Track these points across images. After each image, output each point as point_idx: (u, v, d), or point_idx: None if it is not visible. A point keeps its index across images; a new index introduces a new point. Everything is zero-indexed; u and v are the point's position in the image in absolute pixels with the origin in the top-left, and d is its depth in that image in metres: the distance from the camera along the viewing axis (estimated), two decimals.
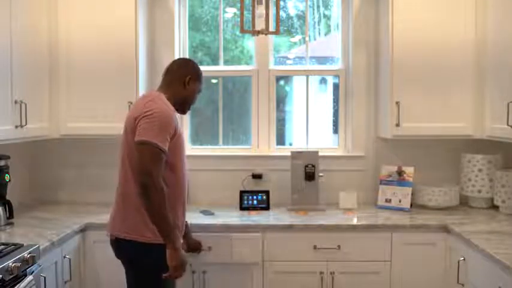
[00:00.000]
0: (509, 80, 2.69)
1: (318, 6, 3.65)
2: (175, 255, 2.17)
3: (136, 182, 2.15)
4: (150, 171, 2.10)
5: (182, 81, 2.42)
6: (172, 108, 2.31)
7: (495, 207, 3.15)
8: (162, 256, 2.18)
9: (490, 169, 3.19)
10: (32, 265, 2.19)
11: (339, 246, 2.84)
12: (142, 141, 2.13)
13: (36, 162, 3.50)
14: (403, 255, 2.84)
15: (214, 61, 3.64)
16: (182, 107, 2.45)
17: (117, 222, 2.31)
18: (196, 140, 3.68)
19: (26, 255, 2.16)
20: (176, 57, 3.49)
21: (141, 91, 3.19)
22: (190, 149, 3.60)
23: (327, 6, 3.66)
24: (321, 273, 2.84)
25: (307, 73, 3.62)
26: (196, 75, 2.48)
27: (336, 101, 3.62)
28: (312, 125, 3.63)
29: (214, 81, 3.65)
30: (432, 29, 3.05)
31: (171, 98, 2.36)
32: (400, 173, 3.29)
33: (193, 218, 2.93)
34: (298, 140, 3.73)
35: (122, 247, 2.30)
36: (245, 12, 3.00)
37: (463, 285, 2.56)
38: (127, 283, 2.37)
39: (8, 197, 2.82)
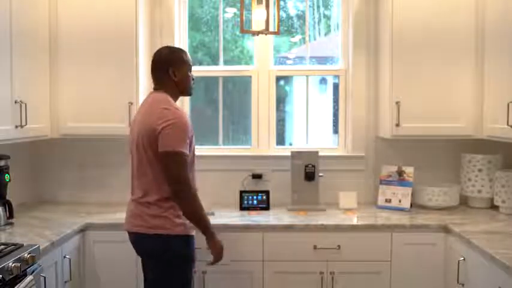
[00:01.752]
0: (509, 80, 2.69)
1: (318, 6, 3.65)
2: (217, 244, 2.41)
3: (171, 190, 2.29)
4: (183, 179, 2.27)
5: (169, 75, 2.45)
6: (182, 109, 2.43)
7: (495, 207, 3.15)
8: (185, 246, 2.36)
9: (490, 169, 3.19)
10: (32, 265, 2.19)
11: (339, 246, 2.84)
12: (169, 152, 2.26)
13: (36, 162, 3.50)
14: (403, 255, 2.84)
15: (214, 61, 3.64)
16: (184, 93, 2.53)
17: (138, 219, 2.37)
18: (196, 140, 3.66)
19: (26, 255, 2.15)
20: None
21: (141, 91, 3.19)
22: None
23: (327, 6, 3.66)
24: (321, 273, 2.84)
25: (307, 73, 3.62)
26: (175, 61, 2.46)
27: (336, 101, 3.62)
28: (312, 125, 3.63)
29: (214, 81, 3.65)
30: (432, 26, 3.05)
31: (171, 94, 2.44)
32: (400, 173, 3.29)
33: None
34: (298, 140, 3.73)
35: (145, 242, 2.37)
36: (245, 12, 3.00)
37: (463, 285, 2.56)
38: (148, 278, 2.46)
39: (8, 197, 2.81)
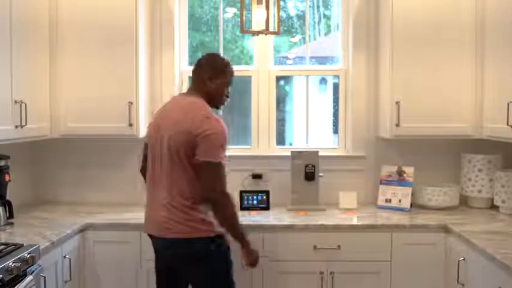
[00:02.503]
0: (509, 80, 2.69)
1: (318, 6, 3.65)
2: (251, 251, 2.43)
3: (209, 199, 2.29)
4: (222, 189, 2.29)
5: (205, 80, 2.42)
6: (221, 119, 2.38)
7: (495, 207, 3.15)
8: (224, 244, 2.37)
9: (490, 169, 3.18)
10: (32, 265, 2.19)
11: (339, 246, 2.84)
12: (211, 162, 2.25)
13: (36, 162, 3.50)
14: (403, 255, 2.84)
15: None
16: (213, 103, 2.46)
17: (177, 224, 2.29)
18: None
19: (26, 255, 2.16)
20: (176, 57, 3.50)
21: (141, 91, 3.20)
22: None
23: (327, 6, 3.66)
24: (321, 273, 2.84)
25: (307, 73, 3.62)
26: (218, 71, 2.45)
27: (336, 101, 3.62)
28: (312, 125, 3.63)
29: None
30: (432, 26, 3.05)
31: (206, 100, 2.40)
32: (400, 173, 3.29)
33: None
34: (298, 140, 3.73)
35: (187, 246, 2.30)
36: (245, 12, 3.00)
37: (463, 285, 2.56)
38: (193, 283, 2.40)
39: (8, 197, 2.82)
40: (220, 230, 2.34)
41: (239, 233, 2.38)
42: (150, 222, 2.43)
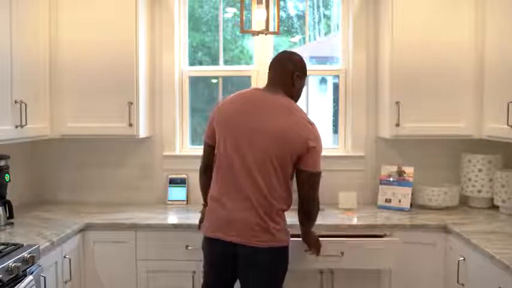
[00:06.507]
0: (509, 80, 2.69)
1: (318, 6, 3.65)
2: (314, 235, 2.54)
3: (307, 208, 2.38)
4: (318, 199, 2.39)
5: (290, 79, 2.35)
6: None
7: (495, 207, 3.15)
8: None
9: (490, 169, 3.18)
10: (32, 265, 2.19)
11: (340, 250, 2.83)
12: (315, 173, 2.30)
13: (36, 162, 3.50)
14: (403, 255, 2.83)
15: (214, 61, 3.64)
16: None
17: (262, 233, 2.23)
18: (195, 140, 3.68)
19: (26, 255, 2.16)
20: (176, 57, 3.49)
21: (141, 91, 3.20)
22: (189, 149, 3.60)
23: (327, 6, 3.66)
24: (321, 272, 2.84)
25: (307, 73, 3.60)
26: (303, 70, 2.41)
27: (336, 101, 3.62)
28: None
29: (214, 81, 3.65)
30: (433, 29, 3.05)
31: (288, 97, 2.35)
32: (400, 173, 3.29)
33: (193, 218, 2.93)
34: None
35: (266, 255, 2.25)
36: (245, 12, 3.00)
37: (463, 285, 2.56)
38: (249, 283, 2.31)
39: (8, 197, 2.82)
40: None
41: (313, 225, 2.50)
42: (224, 226, 2.26)
